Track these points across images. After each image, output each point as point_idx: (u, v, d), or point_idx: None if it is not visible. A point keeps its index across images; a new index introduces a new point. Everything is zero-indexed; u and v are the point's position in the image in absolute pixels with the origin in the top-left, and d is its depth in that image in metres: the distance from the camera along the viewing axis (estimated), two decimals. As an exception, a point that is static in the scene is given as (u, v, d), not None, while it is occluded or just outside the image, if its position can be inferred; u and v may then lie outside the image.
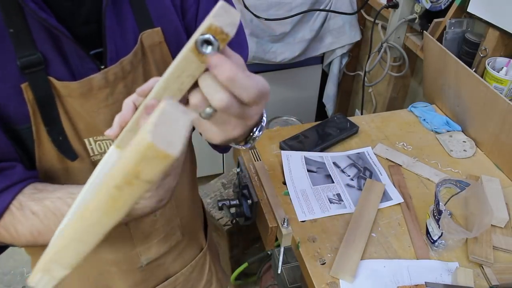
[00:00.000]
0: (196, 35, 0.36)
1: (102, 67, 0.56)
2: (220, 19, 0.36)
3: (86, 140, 0.60)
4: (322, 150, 1.10)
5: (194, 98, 0.40)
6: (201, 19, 0.66)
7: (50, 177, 0.60)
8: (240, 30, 0.72)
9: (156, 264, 0.80)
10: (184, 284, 0.88)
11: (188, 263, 0.88)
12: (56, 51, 0.53)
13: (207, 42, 0.37)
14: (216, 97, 0.38)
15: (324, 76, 1.96)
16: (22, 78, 0.52)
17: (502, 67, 1.08)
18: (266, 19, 1.59)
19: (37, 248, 0.70)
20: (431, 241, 0.86)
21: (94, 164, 0.62)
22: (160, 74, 0.62)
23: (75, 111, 0.57)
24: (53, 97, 0.54)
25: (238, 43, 0.72)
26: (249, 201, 0.93)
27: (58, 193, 0.53)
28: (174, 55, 0.63)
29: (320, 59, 1.91)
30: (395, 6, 1.42)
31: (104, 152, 0.62)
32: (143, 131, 0.29)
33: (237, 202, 0.98)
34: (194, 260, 0.89)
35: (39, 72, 0.52)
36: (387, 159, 1.09)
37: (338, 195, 0.98)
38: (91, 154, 0.61)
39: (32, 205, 0.53)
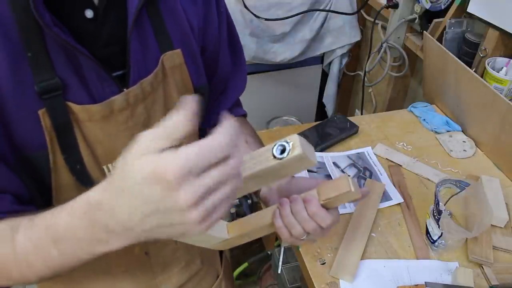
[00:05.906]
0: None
1: (124, 89, 0.54)
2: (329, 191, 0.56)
3: (105, 167, 0.57)
4: (322, 150, 1.10)
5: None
6: (222, 29, 0.68)
7: None
8: (243, 61, 0.75)
9: None
10: None
11: None
12: (75, 75, 0.51)
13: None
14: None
15: (324, 76, 1.96)
16: (39, 104, 0.49)
17: (502, 67, 1.08)
18: (266, 19, 1.58)
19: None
20: (431, 241, 0.86)
21: None
22: (180, 95, 0.62)
23: (94, 136, 0.54)
24: (71, 123, 0.51)
25: (240, 77, 0.75)
26: (249, 201, 0.93)
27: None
28: (192, 77, 0.63)
29: (320, 59, 1.91)
30: (395, 6, 1.42)
31: None
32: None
33: (237, 202, 0.98)
34: None
35: (57, 97, 0.49)
36: (387, 159, 1.09)
37: (338, 195, 0.98)
38: None
39: None
